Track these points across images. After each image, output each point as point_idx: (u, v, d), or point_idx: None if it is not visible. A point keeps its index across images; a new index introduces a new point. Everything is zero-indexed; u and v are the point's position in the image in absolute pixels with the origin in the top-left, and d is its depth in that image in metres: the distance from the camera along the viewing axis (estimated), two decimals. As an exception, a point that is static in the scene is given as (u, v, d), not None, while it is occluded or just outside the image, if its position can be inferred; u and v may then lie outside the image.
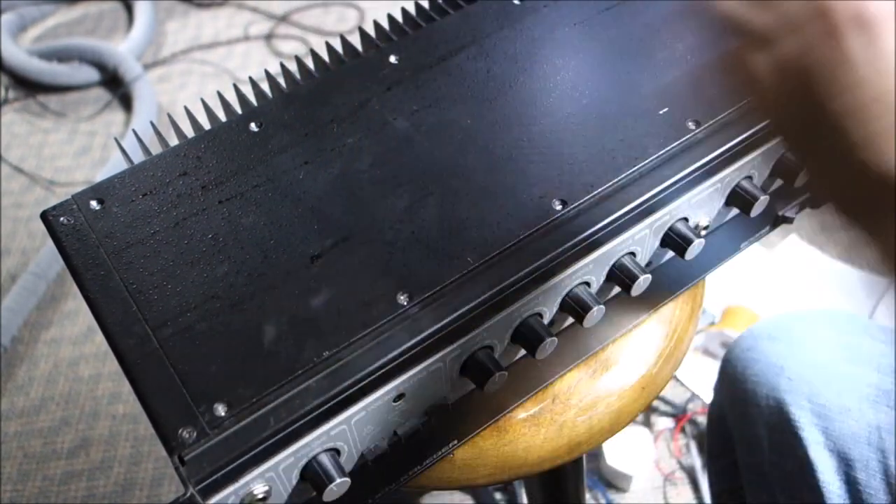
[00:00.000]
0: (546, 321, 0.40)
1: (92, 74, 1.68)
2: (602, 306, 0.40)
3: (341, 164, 0.42)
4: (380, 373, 0.34)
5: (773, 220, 0.52)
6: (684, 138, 0.42)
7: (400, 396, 0.37)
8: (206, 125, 0.47)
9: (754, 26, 0.30)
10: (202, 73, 1.71)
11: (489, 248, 0.38)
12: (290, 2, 1.83)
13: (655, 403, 1.09)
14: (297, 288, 0.37)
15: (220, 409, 0.33)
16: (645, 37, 0.47)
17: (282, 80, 0.50)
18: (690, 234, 0.42)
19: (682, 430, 1.07)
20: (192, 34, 1.81)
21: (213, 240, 0.39)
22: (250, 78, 0.51)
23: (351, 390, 0.34)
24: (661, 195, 0.40)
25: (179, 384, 0.34)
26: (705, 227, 0.45)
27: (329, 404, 0.33)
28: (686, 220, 0.43)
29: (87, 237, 0.39)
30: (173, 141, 0.47)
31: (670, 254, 0.45)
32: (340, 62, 0.51)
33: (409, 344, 0.35)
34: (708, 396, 1.10)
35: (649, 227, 0.41)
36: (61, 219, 0.40)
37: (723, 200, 0.44)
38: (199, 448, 0.32)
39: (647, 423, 1.08)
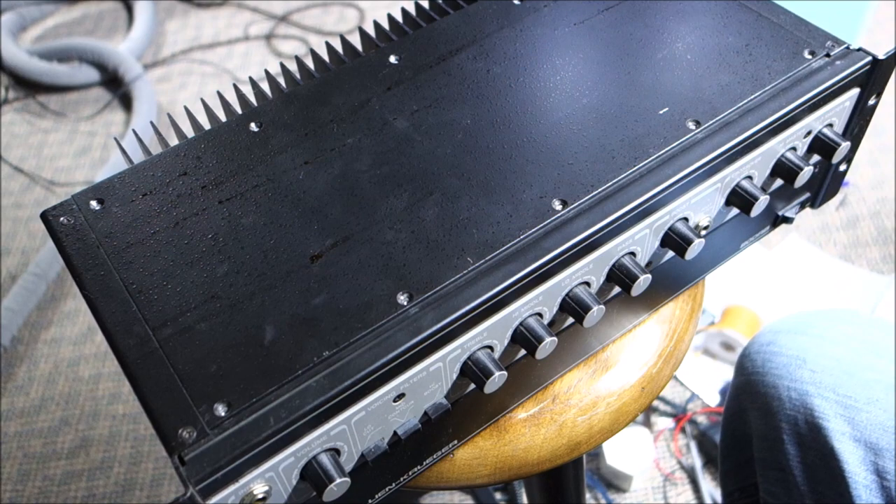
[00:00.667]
0: (546, 321, 0.40)
1: (92, 74, 1.68)
2: (602, 306, 0.40)
3: (341, 164, 0.42)
4: (380, 373, 0.34)
5: (773, 220, 0.52)
6: (684, 138, 0.42)
7: (400, 396, 0.37)
8: (206, 125, 0.47)
9: None
10: (202, 73, 1.71)
11: (489, 248, 0.38)
12: (290, 2, 1.83)
13: (655, 403, 1.09)
14: (297, 288, 0.37)
15: (221, 409, 0.33)
16: (644, 37, 0.47)
17: (282, 80, 0.50)
18: (690, 234, 0.42)
19: (682, 430, 1.07)
20: (192, 34, 1.81)
21: (213, 240, 0.39)
22: (250, 78, 0.51)
23: (351, 390, 0.34)
24: (661, 195, 0.40)
25: (179, 384, 0.34)
26: (705, 227, 0.45)
27: (329, 404, 0.33)
28: (686, 219, 0.43)
29: (87, 237, 0.40)
30: (173, 141, 0.47)
31: (670, 254, 0.45)
32: (340, 62, 0.51)
33: (409, 344, 0.35)
34: (707, 396, 1.10)
35: (649, 227, 0.41)
36: (61, 219, 0.40)
37: (723, 200, 0.44)
38: (199, 448, 0.32)
39: (647, 423, 1.08)
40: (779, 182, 0.47)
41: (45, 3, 1.87)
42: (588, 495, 1.02)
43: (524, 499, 0.98)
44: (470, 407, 0.42)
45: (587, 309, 0.40)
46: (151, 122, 0.51)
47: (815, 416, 0.55)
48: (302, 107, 0.45)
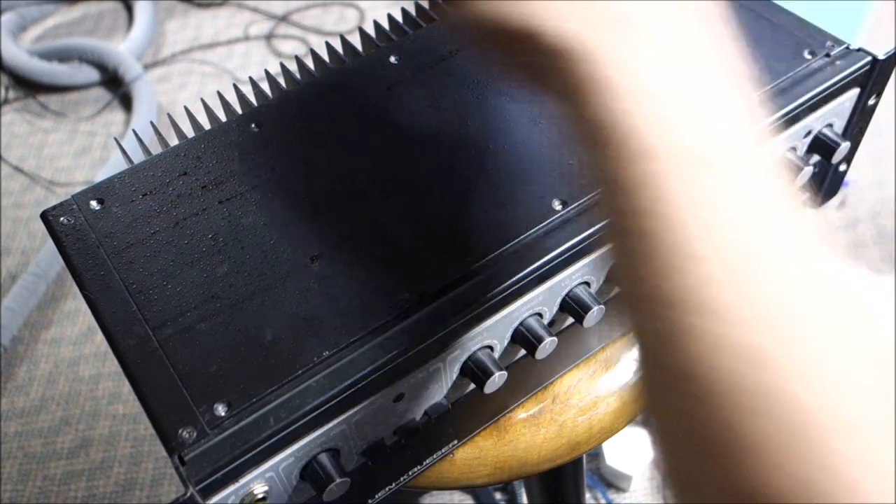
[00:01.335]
0: (546, 321, 0.40)
1: (92, 74, 1.68)
2: (602, 306, 0.40)
3: (342, 164, 0.42)
4: (379, 373, 0.34)
5: (773, 220, 0.52)
6: None
7: (400, 396, 0.37)
8: (207, 125, 0.47)
9: None
10: (202, 73, 1.71)
11: (489, 248, 0.38)
12: (290, 2, 1.83)
13: (655, 403, 1.09)
14: (297, 287, 0.37)
15: (221, 409, 0.33)
16: None
17: (282, 80, 0.50)
18: (690, 234, 0.42)
19: (682, 430, 1.07)
20: (192, 34, 1.81)
21: (213, 240, 0.39)
22: (250, 78, 0.51)
23: (351, 390, 0.34)
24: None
25: (179, 384, 0.34)
26: (705, 227, 0.45)
27: (329, 404, 0.33)
28: (686, 220, 0.43)
29: (87, 237, 0.39)
30: (173, 141, 0.47)
31: (670, 254, 0.45)
32: (340, 62, 0.51)
33: (409, 344, 0.35)
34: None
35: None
36: (61, 219, 0.40)
37: (723, 200, 0.45)
38: (200, 448, 0.32)
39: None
40: (779, 182, 0.47)
41: (45, 3, 1.87)
42: (588, 495, 1.02)
43: (524, 499, 0.98)
44: (470, 407, 0.42)
45: (587, 309, 0.40)
46: (151, 122, 0.51)
47: None
48: (302, 107, 0.45)
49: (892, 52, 0.45)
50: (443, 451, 0.44)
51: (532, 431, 0.46)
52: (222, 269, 0.38)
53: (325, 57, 0.51)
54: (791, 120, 0.43)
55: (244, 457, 0.32)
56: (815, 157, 0.47)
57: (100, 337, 1.26)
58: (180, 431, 0.32)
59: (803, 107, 0.43)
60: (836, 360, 0.23)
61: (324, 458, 0.35)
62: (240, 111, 0.47)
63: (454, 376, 0.39)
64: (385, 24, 0.53)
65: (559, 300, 0.40)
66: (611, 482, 1.03)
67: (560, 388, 0.47)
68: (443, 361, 0.37)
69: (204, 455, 0.31)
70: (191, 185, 0.42)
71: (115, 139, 0.49)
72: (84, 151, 1.58)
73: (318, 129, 0.44)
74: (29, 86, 1.70)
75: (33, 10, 1.85)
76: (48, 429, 1.17)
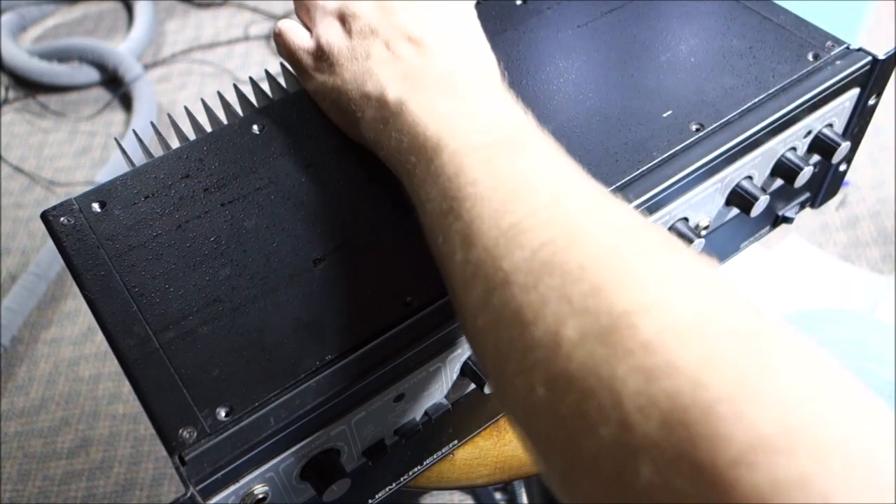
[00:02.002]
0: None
1: (92, 74, 1.68)
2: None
3: (346, 168, 0.42)
4: (380, 374, 0.34)
5: (773, 220, 0.52)
6: (688, 141, 0.41)
7: (400, 397, 0.37)
8: (207, 125, 0.47)
9: None
10: (202, 73, 1.71)
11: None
12: (290, 2, 1.83)
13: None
14: (299, 291, 0.37)
15: (222, 414, 0.32)
16: (647, 39, 0.47)
17: (282, 80, 0.50)
18: (690, 234, 0.42)
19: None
20: (192, 34, 1.81)
21: (215, 243, 0.39)
22: (250, 78, 0.50)
23: (351, 390, 0.34)
24: (661, 195, 0.40)
25: (180, 384, 0.34)
26: (705, 227, 0.45)
27: (329, 405, 0.33)
28: (686, 220, 0.43)
29: (87, 237, 0.39)
30: (174, 141, 0.47)
31: (670, 254, 0.45)
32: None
33: (409, 344, 0.35)
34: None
35: (649, 227, 0.41)
36: (61, 219, 0.40)
37: (723, 200, 0.44)
38: (200, 448, 0.32)
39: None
40: (779, 182, 0.47)
41: (45, 3, 1.87)
42: (588, 495, 1.02)
43: (524, 499, 0.98)
44: (470, 407, 0.42)
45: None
46: (151, 123, 0.51)
47: None
48: (305, 109, 0.45)
49: (892, 52, 0.45)
50: (443, 451, 0.44)
51: (532, 431, 0.46)
52: (225, 272, 0.38)
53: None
54: (791, 120, 0.43)
55: (244, 457, 0.32)
56: (816, 157, 0.47)
57: (100, 337, 1.26)
58: (180, 432, 0.32)
59: (803, 107, 0.43)
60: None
61: (324, 458, 0.35)
62: (240, 111, 0.47)
63: (454, 376, 0.39)
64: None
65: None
66: (611, 482, 1.03)
67: (560, 388, 0.47)
68: (443, 361, 0.37)
69: (204, 455, 0.31)
70: (193, 187, 0.41)
71: (116, 139, 0.49)
72: (84, 151, 1.58)
73: (320, 130, 0.44)
74: (29, 86, 1.70)
75: (33, 10, 1.85)
76: (48, 429, 1.17)
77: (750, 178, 0.44)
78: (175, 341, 0.35)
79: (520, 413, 0.28)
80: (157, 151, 0.46)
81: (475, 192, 0.30)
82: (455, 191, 0.31)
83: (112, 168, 1.48)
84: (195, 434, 0.32)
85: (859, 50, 0.45)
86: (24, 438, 1.17)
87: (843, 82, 0.44)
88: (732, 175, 0.43)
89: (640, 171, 0.40)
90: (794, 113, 0.43)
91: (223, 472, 0.31)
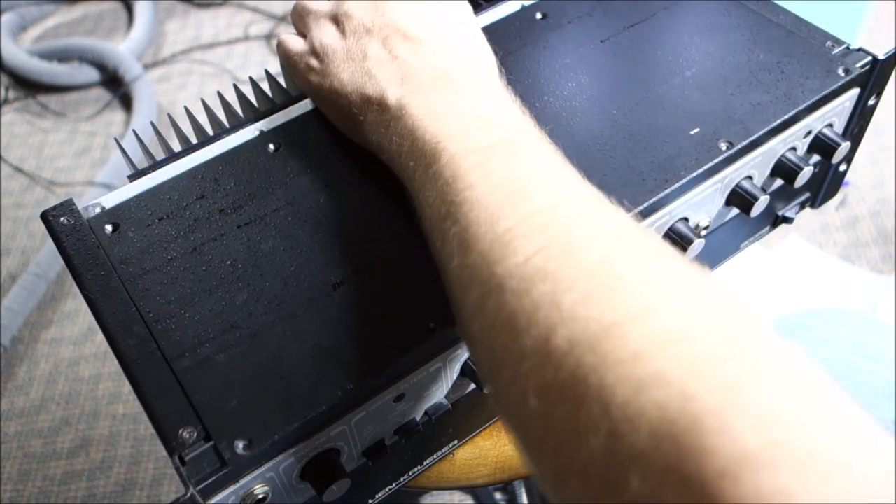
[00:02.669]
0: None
1: (92, 74, 1.68)
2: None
3: (364, 187, 0.41)
4: (383, 380, 0.34)
5: (773, 220, 0.52)
6: (717, 159, 0.40)
7: (400, 397, 0.37)
8: (207, 126, 0.47)
9: None
10: (202, 73, 1.71)
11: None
12: (290, 2, 1.83)
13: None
14: (318, 316, 0.35)
15: (241, 447, 0.32)
16: (672, 54, 0.46)
17: (282, 80, 0.50)
18: (690, 234, 0.42)
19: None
20: (192, 34, 1.81)
21: (231, 266, 0.38)
22: (250, 78, 0.50)
23: (354, 396, 0.34)
24: (661, 196, 0.40)
25: (180, 385, 0.34)
26: (705, 227, 0.45)
27: (331, 411, 0.33)
28: (686, 220, 0.43)
29: (87, 237, 0.39)
30: (174, 141, 0.47)
31: (670, 254, 0.45)
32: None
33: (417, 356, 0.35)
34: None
35: (649, 227, 0.41)
36: (61, 219, 0.40)
37: (723, 200, 0.44)
38: (200, 448, 0.32)
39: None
40: (779, 182, 0.47)
41: (45, 3, 1.87)
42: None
43: (524, 499, 0.98)
44: (470, 407, 0.42)
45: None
46: (152, 123, 0.51)
47: None
48: (321, 126, 0.44)
49: (892, 52, 0.45)
50: (443, 451, 0.44)
51: (532, 431, 0.46)
52: (241, 296, 0.36)
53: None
54: (791, 120, 0.43)
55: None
56: (816, 157, 0.47)
57: (100, 337, 1.26)
58: (180, 431, 0.32)
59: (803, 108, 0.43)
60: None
61: (324, 458, 0.35)
62: (240, 112, 0.47)
63: (454, 376, 0.39)
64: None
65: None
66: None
67: (560, 388, 0.47)
68: (443, 361, 0.37)
69: (204, 455, 0.31)
70: (208, 208, 0.40)
71: (116, 139, 0.49)
72: (84, 151, 1.58)
73: (337, 149, 0.43)
74: (29, 86, 1.70)
75: (33, 10, 1.85)
76: (48, 429, 1.17)
77: (750, 178, 0.44)
78: (191, 370, 0.34)
79: (514, 419, 0.28)
80: (158, 152, 0.46)
81: (472, 195, 0.30)
82: (452, 195, 0.31)
83: (112, 168, 1.48)
84: (195, 434, 0.32)
85: (859, 50, 0.45)
86: (24, 438, 1.17)
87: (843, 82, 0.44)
88: (732, 175, 0.43)
89: (667, 190, 0.39)
90: (794, 113, 0.43)
91: (223, 472, 0.31)
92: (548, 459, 0.26)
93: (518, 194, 0.30)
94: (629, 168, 0.40)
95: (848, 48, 0.46)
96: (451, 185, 0.31)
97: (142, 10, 1.79)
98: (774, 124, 0.42)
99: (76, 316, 1.32)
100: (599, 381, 0.23)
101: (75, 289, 0.36)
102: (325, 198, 0.40)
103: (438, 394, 0.39)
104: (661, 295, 0.25)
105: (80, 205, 0.41)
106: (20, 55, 1.68)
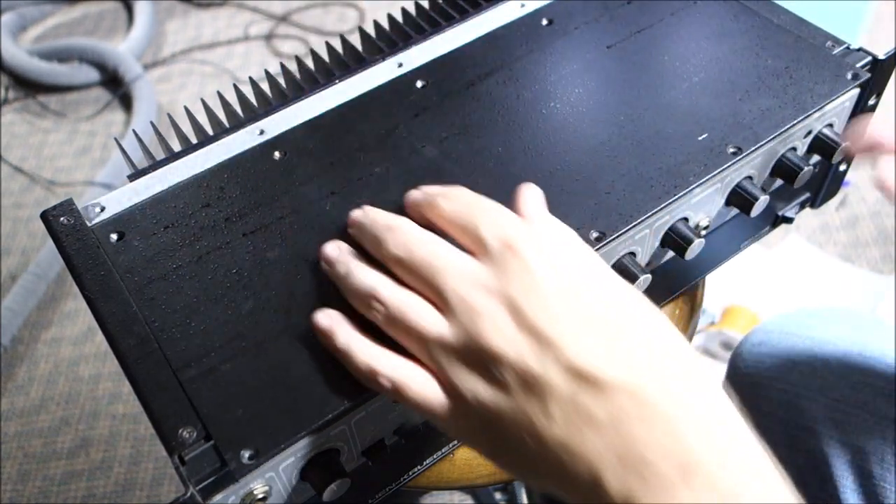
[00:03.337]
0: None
1: (92, 74, 1.68)
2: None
3: (369, 194, 0.40)
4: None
5: (773, 219, 0.52)
6: (725, 165, 0.40)
7: (400, 396, 0.37)
8: (207, 126, 0.47)
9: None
10: (202, 73, 1.71)
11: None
12: (290, 2, 1.83)
13: (655, 403, 1.09)
14: None
15: (246, 457, 0.32)
16: (679, 59, 0.46)
17: (282, 80, 0.50)
18: (690, 234, 0.42)
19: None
20: (192, 34, 1.81)
21: (237, 275, 0.37)
22: (250, 78, 0.51)
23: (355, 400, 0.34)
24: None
25: (186, 394, 0.33)
26: (705, 227, 0.45)
27: (333, 413, 0.33)
28: (686, 220, 0.43)
29: (86, 237, 0.39)
30: (174, 141, 0.47)
31: (670, 254, 0.45)
32: (341, 63, 0.51)
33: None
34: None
35: (649, 228, 0.41)
36: (61, 219, 0.40)
37: (723, 200, 0.44)
38: (200, 448, 0.32)
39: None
40: (779, 182, 0.47)
41: (45, 3, 1.87)
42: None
43: (524, 499, 0.98)
44: (470, 407, 0.42)
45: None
46: (152, 123, 0.51)
47: (804, 419, 0.54)
48: (326, 134, 0.44)
49: (892, 52, 0.45)
50: (443, 451, 0.44)
51: (532, 431, 0.46)
52: (247, 305, 0.36)
53: (326, 57, 0.51)
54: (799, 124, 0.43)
55: (244, 457, 0.32)
56: (816, 157, 0.47)
57: (100, 337, 1.26)
58: (180, 431, 0.32)
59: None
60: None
61: (324, 458, 0.35)
62: (240, 112, 0.47)
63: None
64: (385, 25, 0.53)
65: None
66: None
67: (560, 388, 0.47)
68: (443, 361, 0.37)
69: (204, 455, 0.31)
70: (214, 216, 0.40)
71: (116, 139, 0.49)
72: (84, 151, 1.58)
73: (344, 157, 0.42)
74: (29, 86, 1.70)
75: (33, 10, 1.85)
76: (48, 429, 1.17)
77: (750, 178, 0.44)
78: (197, 380, 0.34)
79: None
80: (158, 152, 0.46)
81: None
82: None
83: (112, 168, 1.48)
84: (195, 434, 0.32)
85: (859, 50, 0.45)
86: (24, 438, 1.16)
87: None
88: (732, 175, 0.43)
89: (676, 196, 0.39)
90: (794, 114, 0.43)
91: (223, 471, 0.31)
92: None
93: None
94: (638, 174, 0.40)
95: (848, 48, 0.46)
96: None
97: (142, 10, 1.79)
98: (784, 129, 0.41)
99: (76, 316, 1.32)
100: None
101: (75, 289, 0.36)
102: (331, 205, 0.40)
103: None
104: None
105: (80, 205, 0.41)
106: (20, 55, 1.68)
